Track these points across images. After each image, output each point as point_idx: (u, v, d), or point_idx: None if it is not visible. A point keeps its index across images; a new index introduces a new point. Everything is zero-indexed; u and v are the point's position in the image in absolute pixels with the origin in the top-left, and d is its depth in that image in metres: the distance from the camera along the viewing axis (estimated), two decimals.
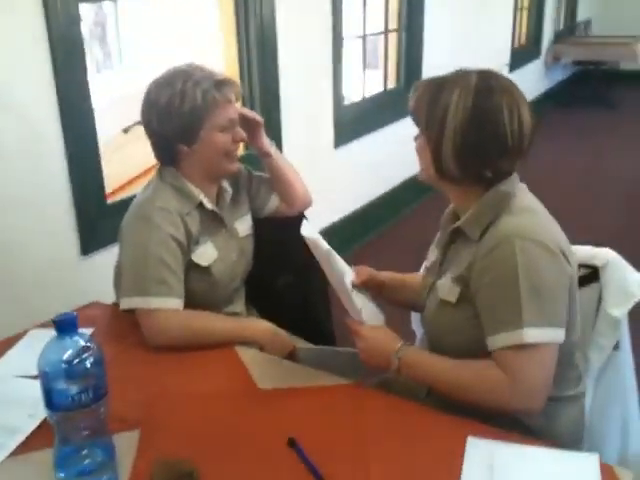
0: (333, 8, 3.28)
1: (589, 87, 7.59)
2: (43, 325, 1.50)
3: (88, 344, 0.95)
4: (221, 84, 1.49)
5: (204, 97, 1.45)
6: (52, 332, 1.18)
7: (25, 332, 1.50)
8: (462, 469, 1.01)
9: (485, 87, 1.20)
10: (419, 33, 4.21)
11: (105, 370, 0.97)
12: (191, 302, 1.49)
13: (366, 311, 1.33)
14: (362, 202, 3.87)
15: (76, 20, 2.03)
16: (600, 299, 1.43)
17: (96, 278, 1.87)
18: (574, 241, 1.33)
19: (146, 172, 3.24)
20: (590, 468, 1.02)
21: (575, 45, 7.72)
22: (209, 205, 1.56)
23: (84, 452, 0.97)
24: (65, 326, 0.93)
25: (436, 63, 4.35)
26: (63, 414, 0.94)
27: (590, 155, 5.58)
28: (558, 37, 7.59)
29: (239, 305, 1.71)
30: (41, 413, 1.15)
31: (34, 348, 1.34)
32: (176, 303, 1.44)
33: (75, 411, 0.93)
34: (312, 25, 3.22)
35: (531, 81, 6.81)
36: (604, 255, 1.43)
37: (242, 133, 1.56)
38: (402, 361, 1.22)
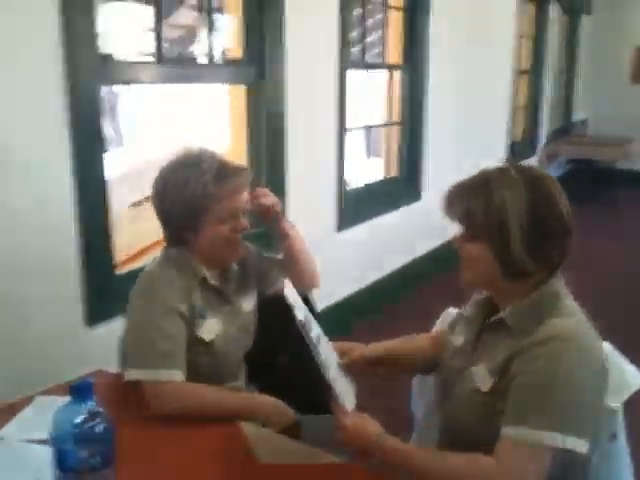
0: (339, 102, 3.45)
1: (584, 185, 7.80)
2: (48, 391, 1.52)
3: (100, 410, 0.98)
4: (225, 176, 1.53)
5: (204, 190, 1.49)
6: (57, 398, 1.22)
7: (29, 398, 1.51)
8: None
9: (529, 177, 1.26)
10: (421, 126, 4.39)
11: (114, 438, 1.00)
12: (195, 377, 1.51)
13: (346, 394, 1.32)
14: (362, 284, 3.94)
15: (96, 100, 2.15)
16: None
17: (101, 349, 1.89)
18: None
19: (154, 245, 3.32)
20: None
21: (570, 144, 7.99)
22: (212, 281, 1.60)
23: None
24: (81, 392, 0.96)
25: (436, 156, 4.54)
26: (73, 476, 0.95)
27: (591, 254, 5.68)
28: (554, 136, 7.87)
29: (240, 381, 1.73)
30: (46, 478, 1.16)
31: (41, 414, 1.38)
32: (178, 375, 1.47)
33: (85, 474, 0.95)
34: (319, 117, 3.38)
35: None
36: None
37: (244, 223, 1.59)
38: (385, 453, 1.20)
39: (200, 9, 2.89)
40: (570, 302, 1.29)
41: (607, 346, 1.47)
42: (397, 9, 4.19)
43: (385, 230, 4.10)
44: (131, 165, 4.10)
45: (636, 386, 1.43)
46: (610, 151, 7.65)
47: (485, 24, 5.34)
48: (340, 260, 3.65)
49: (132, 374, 1.46)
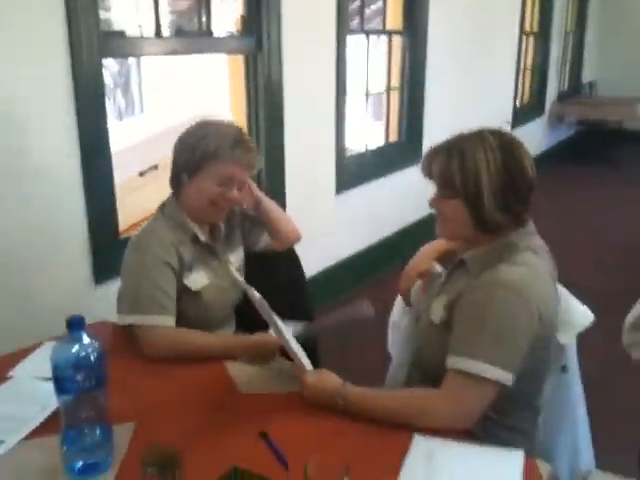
0: (337, 68, 3.56)
1: (592, 146, 7.84)
2: (56, 338, 1.70)
3: (92, 341, 1.14)
4: (240, 147, 1.69)
5: (216, 148, 1.66)
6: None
7: (40, 343, 1.70)
8: (406, 457, 1.19)
9: (502, 142, 1.40)
10: (420, 91, 4.48)
11: (106, 364, 1.17)
12: (185, 324, 1.68)
13: (303, 357, 1.47)
14: (360, 247, 4.08)
15: (99, 72, 2.30)
16: None
17: (105, 304, 2.06)
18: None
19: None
20: (515, 461, 1.18)
21: (578, 105, 8.01)
22: (202, 237, 1.76)
23: (86, 432, 1.15)
24: (74, 324, 1.12)
25: (437, 119, 4.62)
26: (70, 398, 1.13)
27: (591, 212, 5.78)
28: (562, 97, 7.88)
29: (229, 330, 1.90)
30: (52, 406, 1.35)
31: (48, 355, 1.56)
32: (169, 321, 1.64)
33: (80, 396, 1.12)
34: (317, 82, 3.50)
35: (534, 138, 7.06)
36: None
37: (235, 195, 1.73)
38: (346, 400, 1.33)
39: None
40: (528, 255, 1.40)
41: (561, 289, 1.62)
42: None
43: (385, 193, 4.22)
44: (140, 135, 4.25)
45: (585, 324, 1.58)
46: (618, 111, 7.66)
47: None
48: (339, 222, 3.80)
49: (126, 319, 1.64)
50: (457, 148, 1.41)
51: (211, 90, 4.02)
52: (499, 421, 1.41)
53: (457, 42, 4.92)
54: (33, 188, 2.15)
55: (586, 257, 4.51)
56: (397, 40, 4.36)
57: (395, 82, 4.42)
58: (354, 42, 3.86)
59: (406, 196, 4.33)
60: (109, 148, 2.39)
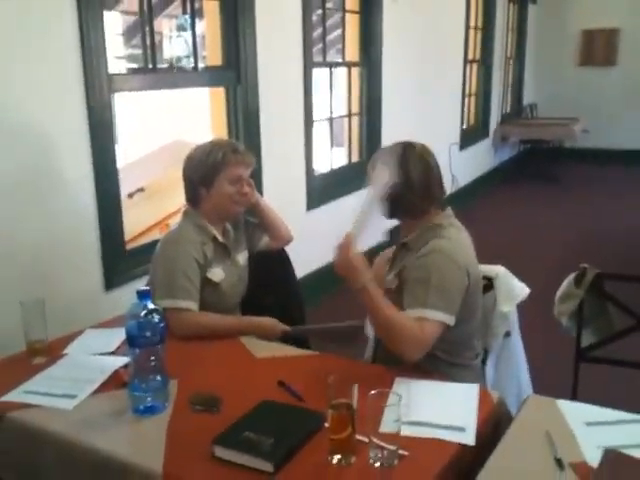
0: (305, 97, 4.00)
1: (534, 163, 8.49)
2: (93, 326, 2.06)
3: (155, 307, 1.52)
4: (237, 151, 2.11)
5: (223, 156, 2.07)
6: (101, 331, 1.83)
7: (80, 331, 2.05)
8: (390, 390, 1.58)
9: (420, 150, 1.90)
10: (378, 115, 4.97)
11: (165, 325, 1.54)
12: (205, 309, 2.05)
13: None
14: (328, 258, 4.46)
15: (109, 106, 2.67)
16: (495, 301, 2.04)
17: (115, 309, 2.36)
18: None
19: (147, 230, 3.83)
20: (473, 391, 1.60)
21: (520, 126, 8.66)
22: (220, 238, 2.15)
23: (150, 378, 1.52)
24: (143, 295, 1.49)
25: (393, 140, 5.08)
26: (140, 351, 1.49)
27: (534, 224, 6.35)
28: (505, 119, 8.52)
29: (237, 315, 2.28)
30: (109, 370, 1.71)
31: (92, 338, 1.94)
32: (194, 306, 2.01)
33: (147, 349, 1.49)
34: (288, 110, 3.93)
35: (481, 158, 7.65)
36: (496, 269, 2.04)
37: (246, 189, 2.15)
38: (365, 288, 1.63)
39: (180, 15, 3.38)
40: (452, 232, 1.84)
41: (501, 268, 2.05)
42: (353, 12, 4.75)
43: (350, 209, 4.63)
44: (121, 162, 4.57)
45: (522, 296, 2.02)
46: (557, 131, 8.31)
47: (437, 18, 5.93)
48: (310, 236, 4.19)
49: (159, 302, 1.99)
50: (396, 155, 1.90)
51: (191, 119, 4.39)
52: (449, 361, 1.84)
53: (408, 71, 5.44)
54: (52, 204, 2.49)
55: (527, 258, 5.02)
56: (355, 71, 4.83)
57: (355, 108, 4.89)
58: (318, 73, 4.31)
59: None
60: (116, 169, 2.76)
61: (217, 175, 2.08)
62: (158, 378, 1.53)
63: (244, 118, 3.52)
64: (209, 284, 2.09)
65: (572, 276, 2.10)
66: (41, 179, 2.44)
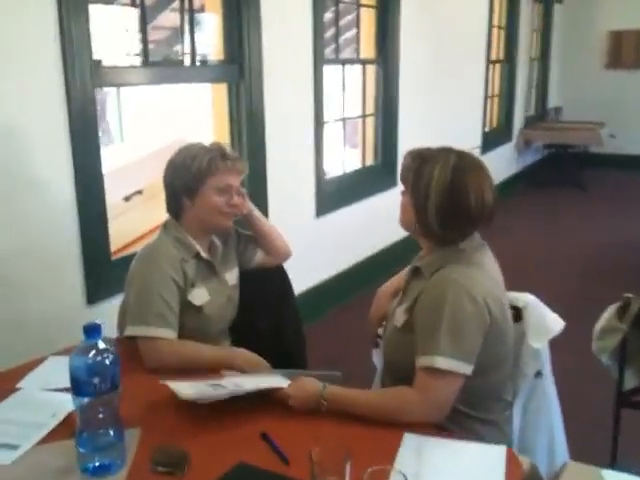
0: (315, 96, 3.72)
1: (559, 169, 8.13)
2: (59, 353, 1.78)
3: (108, 346, 1.24)
4: (227, 157, 1.83)
5: (209, 162, 1.79)
6: (66, 360, 1.48)
7: (42, 358, 1.77)
8: (397, 453, 1.29)
9: (460, 166, 1.53)
10: (394, 117, 4.66)
11: (119, 368, 1.26)
12: (185, 336, 1.78)
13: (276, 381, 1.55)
14: (340, 268, 4.20)
15: (92, 101, 2.40)
16: (524, 334, 1.73)
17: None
18: None
19: (144, 235, 3.58)
20: (499, 455, 1.29)
21: (545, 130, 8.29)
22: (204, 255, 1.87)
23: (100, 432, 1.24)
24: (91, 331, 1.22)
25: (411, 144, 4.77)
26: (87, 401, 1.21)
27: (559, 232, 6.01)
28: (529, 122, 8.17)
29: (225, 344, 1.99)
30: (62, 413, 1.43)
31: (54, 369, 1.64)
32: (171, 333, 1.73)
33: (95, 398, 1.21)
34: (296, 109, 3.64)
35: (503, 162, 7.30)
36: (524, 298, 1.74)
37: (236, 200, 1.88)
38: (329, 401, 1.43)
39: (183, 11, 3.11)
40: (473, 256, 1.53)
41: (531, 297, 1.75)
42: (369, 7, 4.45)
43: (362, 216, 4.36)
44: (120, 163, 4.34)
45: (556, 330, 1.71)
46: (583, 136, 7.94)
47: (458, 15, 5.61)
48: (319, 244, 3.92)
49: (130, 330, 1.73)
50: (424, 155, 1.56)
51: (193, 117, 4.13)
52: (472, 415, 1.53)
53: (427, 71, 5.13)
54: (24, 209, 2.23)
55: (550, 272, 4.70)
56: (371, 69, 4.54)
57: (370, 109, 4.59)
58: (331, 70, 4.02)
59: (383, 219, 4.48)
60: (101, 171, 2.49)
61: (203, 184, 1.81)
62: (110, 433, 1.26)
63: (248, 117, 3.25)
64: (190, 308, 1.82)
65: (614, 307, 1.80)
66: (11, 181, 2.18)
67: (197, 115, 3.96)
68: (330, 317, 3.85)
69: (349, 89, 4.38)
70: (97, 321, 1.24)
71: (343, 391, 1.47)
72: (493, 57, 6.74)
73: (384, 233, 4.62)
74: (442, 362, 1.40)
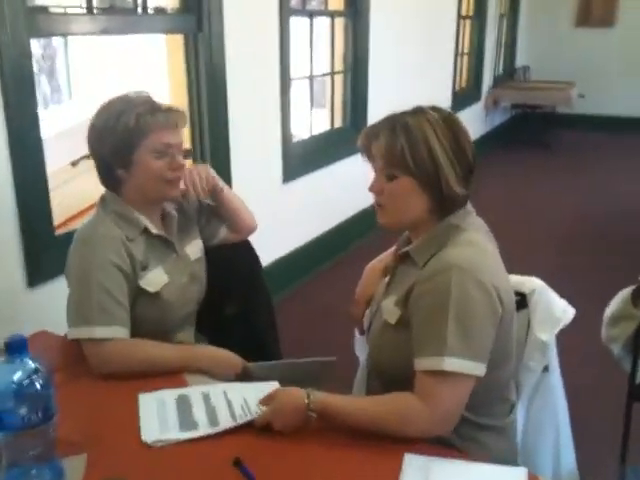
0: (281, 51, 3.40)
1: (527, 130, 7.97)
2: None
3: (38, 366, 0.98)
4: (159, 110, 1.52)
5: (137, 120, 1.48)
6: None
7: None
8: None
9: (445, 116, 1.31)
10: (364, 75, 4.37)
11: (54, 392, 1.00)
12: (141, 329, 1.51)
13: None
14: (310, 236, 3.96)
15: (27, 54, 2.07)
16: (529, 324, 1.53)
17: (43, 310, 1.86)
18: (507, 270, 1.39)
19: (93, 205, 3.27)
20: (517, 476, 1.09)
21: (513, 89, 8.08)
22: (154, 230, 1.59)
23: (33, 472, 0.99)
24: (15, 348, 0.95)
25: (381, 104, 4.53)
26: (13, 435, 0.96)
27: (526, 192, 5.87)
28: (497, 82, 7.94)
29: (189, 332, 1.73)
30: None
31: None
32: (120, 332, 1.46)
33: (24, 431, 0.95)
34: (261, 65, 3.33)
35: (472, 124, 7.08)
36: (531, 283, 1.52)
37: (180, 160, 1.57)
38: (318, 412, 1.21)
39: None
40: (472, 234, 1.31)
41: (538, 281, 1.54)
42: None
43: (332, 181, 4.11)
44: (70, 122, 3.97)
45: (565, 320, 1.50)
46: (553, 96, 7.77)
47: None
48: (287, 212, 3.66)
49: (72, 332, 1.46)
50: (400, 123, 1.30)
51: (148, 73, 3.77)
52: (473, 421, 1.32)
53: (398, 25, 4.82)
54: None
55: (525, 237, 4.55)
56: (340, 23, 4.22)
57: (339, 66, 4.29)
58: (297, 23, 3.70)
59: (354, 184, 4.23)
60: (40, 135, 2.16)
61: (135, 148, 1.50)
62: (46, 471, 1.00)
63: (207, 73, 2.93)
64: (145, 295, 1.55)
65: (627, 291, 1.59)
66: None
67: (152, 71, 3.61)
68: (300, 291, 3.62)
69: (317, 45, 4.07)
70: (21, 333, 0.97)
71: (333, 399, 1.23)
72: (464, 13, 6.45)
73: (355, 199, 4.38)
74: (451, 364, 1.18)
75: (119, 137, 1.49)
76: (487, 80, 7.59)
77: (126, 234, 1.53)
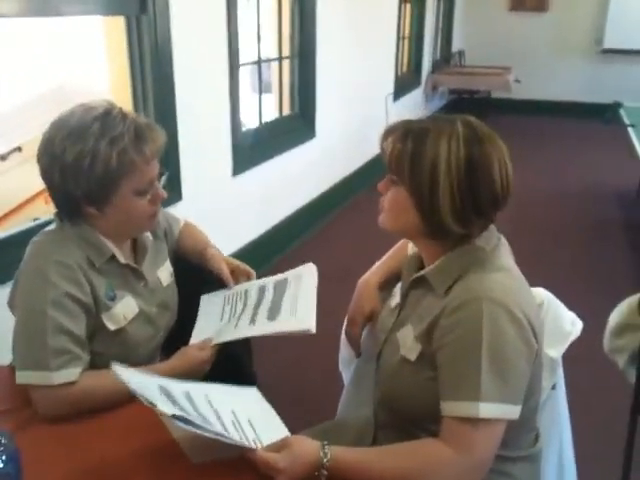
0: (229, 34, 3.18)
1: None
2: None
3: (1, 439, 0.78)
4: (144, 139, 1.28)
5: (120, 159, 1.24)
6: None
7: None
8: None
9: (473, 136, 1.12)
10: (312, 60, 4.19)
11: (21, 467, 0.80)
12: (98, 367, 1.28)
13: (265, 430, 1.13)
14: (263, 229, 3.78)
15: None
16: None
17: None
18: None
19: (26, 202, 2.97)
20: None
21: (451, 74, 8.08)
22: (122, 259, 1.37)
23: None
24: None
25: (328, 90, 4.37)
26: None
27: None
28: (435, 67, 7.91)
29: (155, 361, 1.53)
30: None
31: None
32: (74, 374, 1.24)
33: None
34: (209, 49, 3.11)
35: (413, 110, 7.02)
36: (539, 295, 1.41)
37: (162, 192, 1.37)
38: (332, 471, 1.05)
39: None
40: (500, 258, 1.17)
41: (545, 293, 1.43)
42: None
43: (283, 170, 3.93)
44: None
45: (574, 334, 1.40)
46: (491, 81, 7.81)
47: None
48: (238, 205, 3.47)
49: (22, 377, 1.22)
50: (417, 129, 1.14)
51: (79, 59, 3.46)
52: (503, 455, 1.19)
53: (344, 8, 4.66)
54: None
55: None
56: (286, 4, 4.02)
57: (286, 51, 4.10)
58: (244, 4, 3.48)
59: (304, 173, 4.08)
60: None
61: (115, 189, 1.27)
62: None
63: (152, 59, 2.68)
64: (104, 330, 1.33)
65: (635, 299, 1.49)
66: None
67: (88, 55, 3.30)
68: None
69: (264, 28, 3.86)
70: None
71: (350, 454, 1.08)
72: None
73: (306, 188, 4.24)
74: (488, 410, 1.04)
75: (97, 178, 1.24)
76: (427, 65, 7.54)
77: (88, 257, 1.31)
